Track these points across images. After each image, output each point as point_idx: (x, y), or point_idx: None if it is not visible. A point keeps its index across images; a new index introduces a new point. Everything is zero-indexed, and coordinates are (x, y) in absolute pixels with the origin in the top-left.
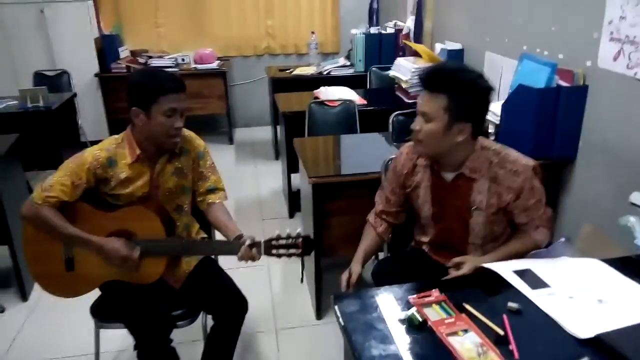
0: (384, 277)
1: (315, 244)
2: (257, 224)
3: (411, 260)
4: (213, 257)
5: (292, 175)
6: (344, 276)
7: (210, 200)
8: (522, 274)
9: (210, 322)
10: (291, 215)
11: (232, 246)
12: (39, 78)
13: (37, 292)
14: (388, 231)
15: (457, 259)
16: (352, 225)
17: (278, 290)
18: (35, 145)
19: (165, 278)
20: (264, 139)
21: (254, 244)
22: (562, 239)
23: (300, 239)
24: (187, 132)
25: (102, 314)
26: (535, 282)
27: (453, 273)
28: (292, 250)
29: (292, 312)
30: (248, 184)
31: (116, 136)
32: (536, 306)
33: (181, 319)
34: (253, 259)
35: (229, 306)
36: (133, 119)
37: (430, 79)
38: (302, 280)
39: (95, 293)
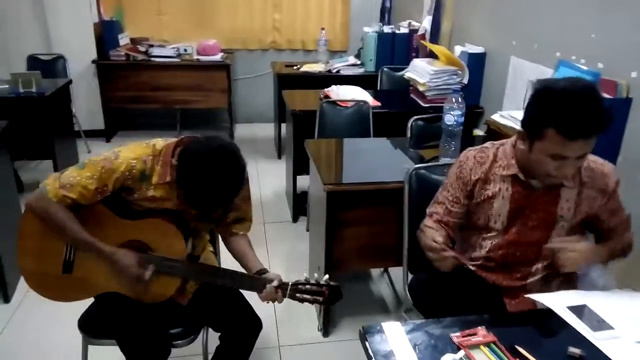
0: (422, 292)
1: (341, 295)
2: (258, 228)
3: (451, 277)
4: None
5: (298, 177)
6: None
7: (234, 230)
8: (579, 311)
9: (212, 338)
10: (295, 219)
11: (256, 283)
12: (33, 62)
13: (20, 292)
14: (448, 241)
15: (572, 242)
16: (365, 237)
17: (281, 304)
18: (26, 133)
19: (172, 295)
20: (266, 137)
21: (281, 286)
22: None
23: (328, 288)
24: None
25: (92, 329)
26: (596, 321)
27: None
28: (316, 297)
29: (297, 328)
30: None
31: (157, 142)
32: (601, 352)
33: (179, 338)
34: (275, 300)
35: (242, 324)
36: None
37: (589, 129)
38: (319, 329)
39: (85, 303)
